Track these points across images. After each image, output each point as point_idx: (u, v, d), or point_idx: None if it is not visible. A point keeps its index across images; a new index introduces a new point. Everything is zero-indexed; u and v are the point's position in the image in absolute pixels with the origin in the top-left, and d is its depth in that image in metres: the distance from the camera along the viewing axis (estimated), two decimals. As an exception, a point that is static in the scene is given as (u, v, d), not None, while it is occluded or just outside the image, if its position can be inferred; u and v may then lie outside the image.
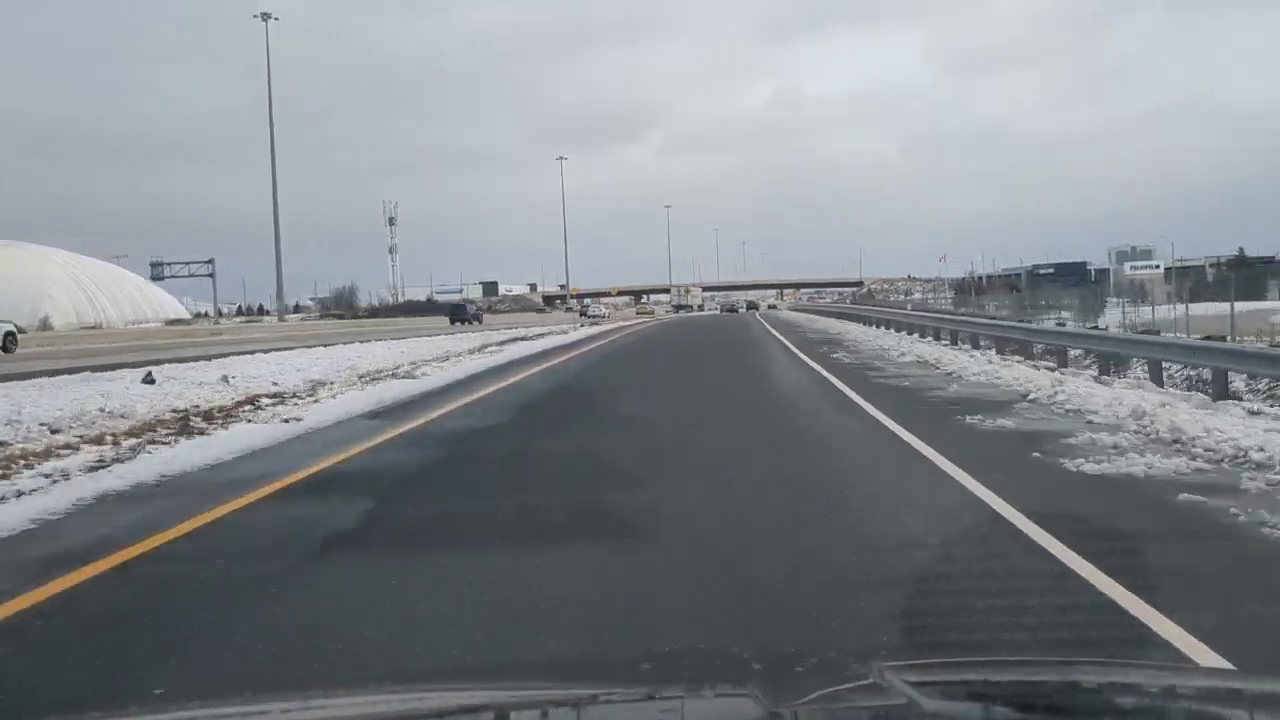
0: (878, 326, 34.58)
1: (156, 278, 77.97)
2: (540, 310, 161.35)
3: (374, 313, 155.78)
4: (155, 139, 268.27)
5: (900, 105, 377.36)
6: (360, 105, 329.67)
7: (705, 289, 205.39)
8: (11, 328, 35.73)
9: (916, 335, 26.90)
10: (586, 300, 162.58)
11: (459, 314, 70.92)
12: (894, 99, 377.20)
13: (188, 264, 79.77)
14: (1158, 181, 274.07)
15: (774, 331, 35.69)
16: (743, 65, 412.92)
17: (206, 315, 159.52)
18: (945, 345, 22.03)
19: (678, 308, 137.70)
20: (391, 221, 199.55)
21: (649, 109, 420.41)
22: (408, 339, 33.85)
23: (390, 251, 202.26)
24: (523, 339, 33.53)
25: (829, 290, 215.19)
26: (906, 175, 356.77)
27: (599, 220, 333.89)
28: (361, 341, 32.65)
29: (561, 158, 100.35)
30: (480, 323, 63.63)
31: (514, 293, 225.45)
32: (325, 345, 29.88)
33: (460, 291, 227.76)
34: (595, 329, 49.07)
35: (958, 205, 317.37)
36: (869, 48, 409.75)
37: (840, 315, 50.91)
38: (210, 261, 78.69)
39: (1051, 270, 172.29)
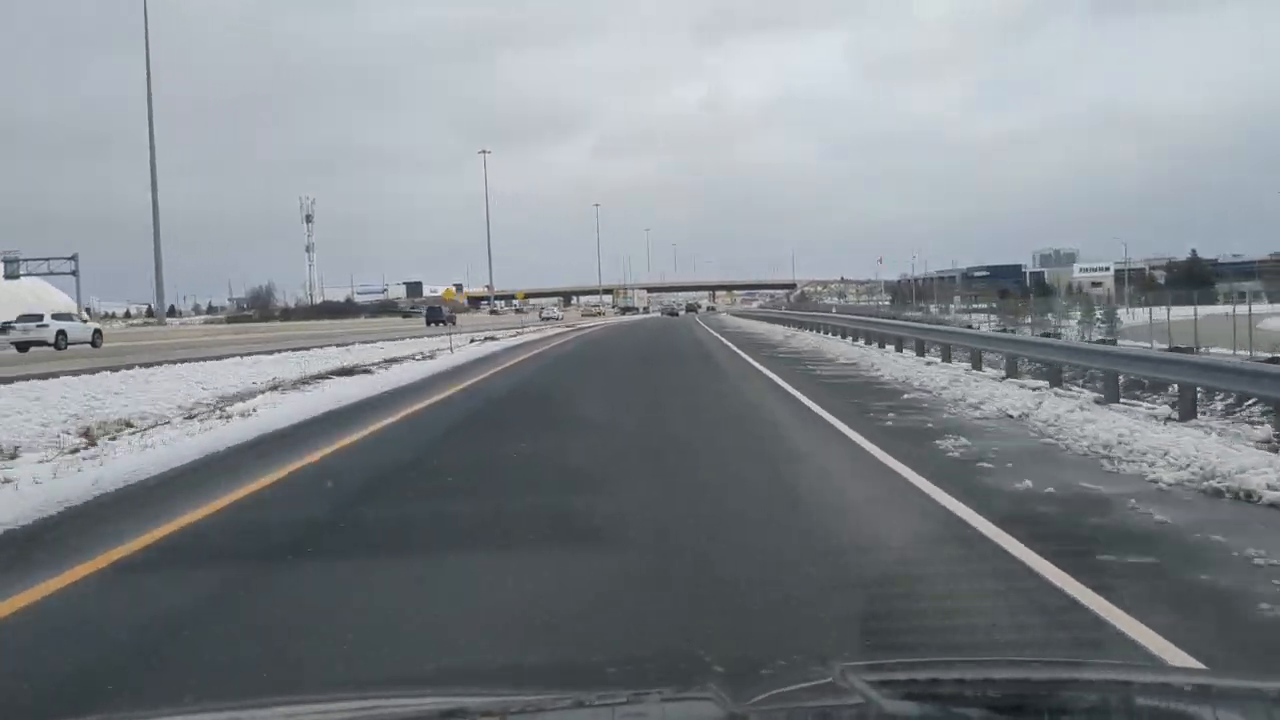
0: (879, 346, 24.34)
1: (11, 276, 65.79)
2: (492, 312, 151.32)
3: (287, 314, 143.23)
4: (61, 133, 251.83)
5: (829, 109, 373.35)
6: (288, 102, 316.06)
7: (636, 290, 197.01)
8: (98, 325, 40.59)
9: (964, 362, 17.27)
10: (524, 303, 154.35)
11: (435, 316, 73.60)
12: (823, 103, 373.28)
13: (47, 260, 67.56)
14: (1076, 185, 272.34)
15: (747, 357, 24.98)
16: (675, 67, 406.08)
17: (114, 317, 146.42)
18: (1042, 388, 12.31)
19: (624, 310, 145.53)
20: (309, 219, 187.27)
21: (581, 110, 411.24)
22: (265, 356, 25.09)
23: (307, 250, 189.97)
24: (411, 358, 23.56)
25: (760, 292, 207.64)
26: (837, 178, 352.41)
27: (528, 221, 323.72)
28: (219, 358, 24.65)
29: (484, 151, 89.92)
30: (455, 324, 63.40)
31: (439, 293, 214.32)
32: (119, 368, 20.18)
33: (384, 292, 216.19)
34: (547, 332, 46.02)
35: (886, 208, 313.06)
36: (799, 52, 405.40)
37: (811, 325, 39.51)
38: (73, 258, 66.54)
39: (986, 273, 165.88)
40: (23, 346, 35.49)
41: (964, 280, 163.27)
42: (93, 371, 19.39)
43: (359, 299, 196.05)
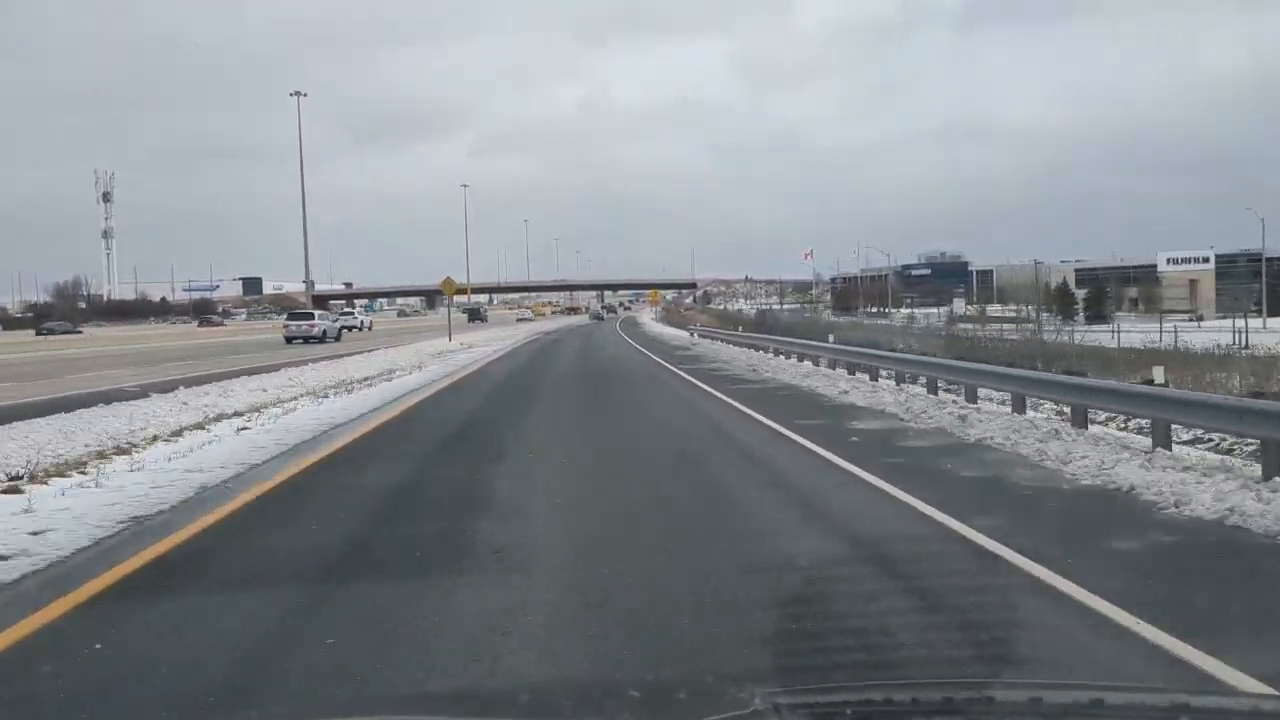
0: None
1: None
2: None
3: (38, 320, 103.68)
4: None
5: (716, 112, 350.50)
6: (140, 92, 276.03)
7: (512, 290, 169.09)
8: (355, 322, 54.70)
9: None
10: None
11: (475, 315, 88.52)
12: (709, 106, 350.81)
13: None
14: (947, 190, 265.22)
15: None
16: (555, 70, 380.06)
17: None
18: None
19: (570, 310, 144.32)
20: (106, 197, 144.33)
21: (459, 109, 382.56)
22: None
23: (104, 236, 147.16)
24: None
25: (650, 293, 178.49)
26: (726, 179, 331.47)
27: (399, 219, 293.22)
28: None
29: (298, 94, 55.32)
30: (486, 320, 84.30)
31: (284, 290, 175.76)
32: None
33: (216, 288, 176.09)
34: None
35: (773, 209, 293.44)
36: (683, 57, 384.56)
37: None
38: None
39: (927, 271, 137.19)
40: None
41: (898, 279, 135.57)
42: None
43: (187, 295, 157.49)
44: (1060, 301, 62.38)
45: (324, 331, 43.54)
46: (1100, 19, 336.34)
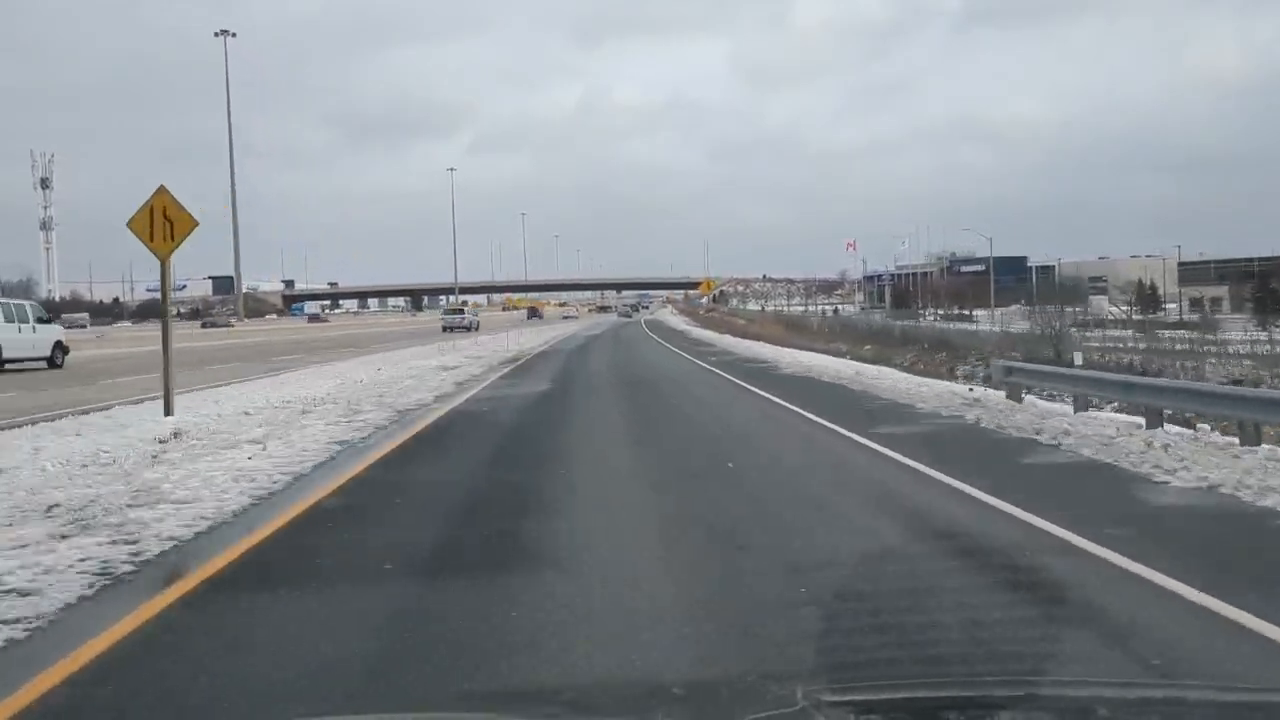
0: None
1: None
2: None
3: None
4: None
5: (714, 114, 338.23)
6: (143, 90, 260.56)
7: (510, 290, 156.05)
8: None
9: None
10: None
11: (534, 313, 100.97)
12: (707, 108, 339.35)
13: None
14: (943, 191, 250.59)
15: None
16: (554, 69, 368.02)
17: None
18: None
19: (601, 309, 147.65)
20: (45, 183, 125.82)
21: (455, 110, 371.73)
22: None
23: (43, 227, 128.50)
24: None
25: (655, 293, 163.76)
26: (728, 179, 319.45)
27: (398, 219, 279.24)
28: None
29: (224, 32, 38.81)
30: (543, 318, 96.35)
31: (258, 290, 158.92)
32: None
33: (183, 287, 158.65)
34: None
35: (787, 209, 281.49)
36: (682, 57, 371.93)
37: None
38: None
39: (980, 267, 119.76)
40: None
41: (945, 276, 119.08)
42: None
43: (151, 295, 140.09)
44: (1257, 301, 45.59)
45: (469, 323, 57.75)
46: (1099, 18, 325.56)
